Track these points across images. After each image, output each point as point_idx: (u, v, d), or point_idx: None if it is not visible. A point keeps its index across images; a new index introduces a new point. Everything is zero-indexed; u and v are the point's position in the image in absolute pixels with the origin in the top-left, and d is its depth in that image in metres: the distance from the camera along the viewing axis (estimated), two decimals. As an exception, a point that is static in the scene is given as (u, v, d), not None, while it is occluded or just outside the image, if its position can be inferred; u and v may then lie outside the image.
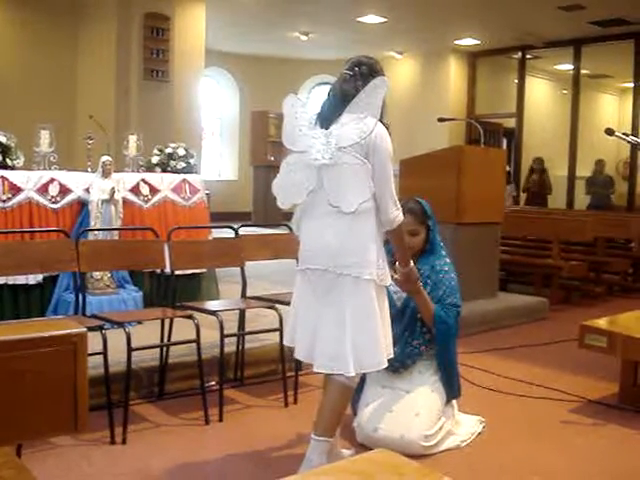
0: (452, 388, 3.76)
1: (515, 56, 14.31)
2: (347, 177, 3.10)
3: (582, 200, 13.40)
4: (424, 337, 3.74)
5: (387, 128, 3.21)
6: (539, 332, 6.53)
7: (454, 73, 14.65)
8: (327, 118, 3.20)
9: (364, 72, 3.22)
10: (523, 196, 13.88)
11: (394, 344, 3.60)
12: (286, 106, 3.38)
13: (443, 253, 3.81)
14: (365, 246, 3.11)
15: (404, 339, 3.71)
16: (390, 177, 3.14)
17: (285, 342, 3.44)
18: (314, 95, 16.90)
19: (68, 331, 1.64)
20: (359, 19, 12.03)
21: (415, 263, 3.72)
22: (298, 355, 3.30)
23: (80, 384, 1.66)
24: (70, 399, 1.67)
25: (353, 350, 3.09)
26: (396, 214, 3.14)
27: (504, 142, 15.14)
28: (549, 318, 7.16)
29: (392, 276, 3.46)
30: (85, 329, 1.63)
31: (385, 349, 3.17)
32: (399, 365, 3.68)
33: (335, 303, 3.13)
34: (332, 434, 3.25)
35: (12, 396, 1.65)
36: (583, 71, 13.69)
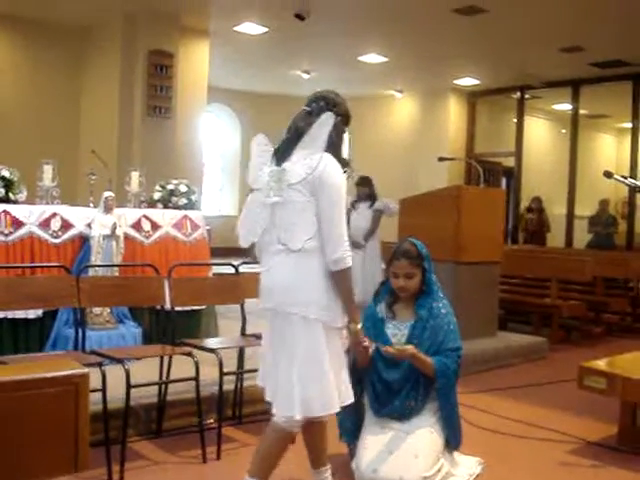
0: (454, 435, 3.72)
1: (514, 96, 14.45)
2: (295, 215, 3.05)
3: (580, 239, 13.44)
4: (426, 390, 3.69)
5: (346, 164, 3.16)
6: (538, 372, 6.51)
7: (454, 112, 14.77)
8: (281, 155, 3.17)
9: (322, 107, 3.19)
10: (521, 235, 13.94)
11: (393, 393, 3.60)
12: (253, 144, 3.38)
13: (440, 294, 3.81)
14: (313, 285, 3.03)
15: (405, 393, 3.66)
16: (337, 215, 3.03)
17: (258, 382, 3.37)
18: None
19: (70, 372, 1.65)
20: (360, 58, 12.17)
21: (412, 306, 3.72)
22: (266, 396, 3.25)
23: (81, 425, 1.67)
24: (71, 439, 1.68)
25: (300, 394, 3.02)
26: (340, 255, 3.01)
27: (503, 181, 15.23)
28: (548, 358, 7.14)
29: (379, 346, 3.46)
30: (87, 370, 1.65)
31: (336, 394, 3.08)
32: (399, 415, 3.65)
33: (286, 344, 3.08)
34: (264, 478, 3.19)
35: (13, 436, 1.65)
36: (582, 111, 13.83)
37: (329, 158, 3.06)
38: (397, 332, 3.72)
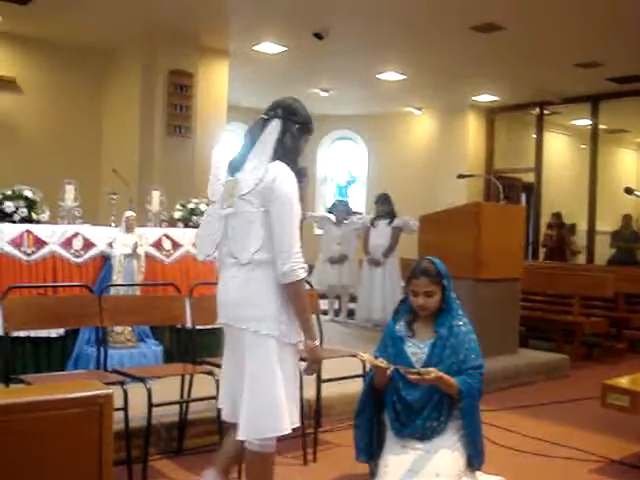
0: (477, 455, 3.69)
1: (533, 112, 14.41)
2: (245, 226, 2.98)
3: (601, 254, 13.35)
4: (449, 410, 3.67)
5: (302, 174, 3.08)
6: (560, 390, 6.46)
7: (472, 129, 14.76)
8: (235, 165, 3.09)
9: (279, 115, 3.10)
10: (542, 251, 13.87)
11: (413, 412, 3.58)
12: (213, 157, 3.27)
13: (460, 312, 3.79)
14: (263, 299, 2.95)
15: (427, 413, 3.64)
16: (288, 226, 2.91)
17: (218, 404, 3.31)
18: (334, 150, 17.08)
19: (94, 393, 1.67)
20: (378, 76, 12.20)
21: (432, 324, 3.71)
22: (223, 415, 3.21)
23: (105, 445, 1.68)
24: (95, 460, 1.69)
25: (248, 412, 2.95)
26: (289, 268, 2.88)
27: (523, 197, 15.18)
28: (570, 375, 7.08)
29: (407, 373, 3.42)
30: (111, 391, 1.66)
31: (287, 414, 2.97)
32: (420, 435, 3.63)
33: (239, 360, 3.03)
34: None
35: (37, 457, 1.67)
36: (601, 126, 13.76)
37: (280, 167, 2.96)
38: (417, 351, 3.71)
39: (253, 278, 2.97)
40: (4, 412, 1.61)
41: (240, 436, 2.98)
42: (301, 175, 3.06)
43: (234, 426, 3.09)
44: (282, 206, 2.91)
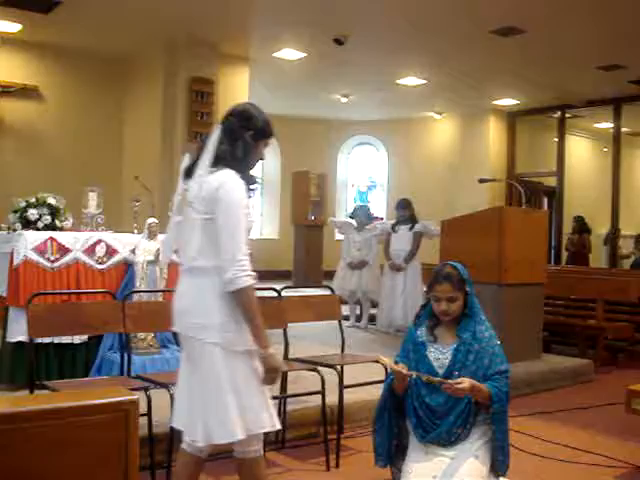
0: (504, 461, 3.66)
1: (555, 115, 14.35)
2: (190, 233, 2.96)
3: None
4: (475, 416, 3.65)
5: (252, 182, 3.03)
6: (584, 395, 6.41)
7: (493, 133, 14.71)
8: (187, 173, 3.08)
9: (233, 122, 3.08)
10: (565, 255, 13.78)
11: (437, 417, 3.56)
12: (181, 165, 3.23)
13: (482, 317, 3.77)
14: (209, 307, 2.90)
15: (453, 419, 3.61)
16: (235, 232, 2.85)
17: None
18: (354, 155, 17.09)
19: (120, 399, 1.67)
20: (399, 81, 12.20)
21: (454, 329, 3.69)
22: (173, 422, 3.18)
23: (131, 451, 1.69)
24: (121, 466, 1.70)
25: (201, 419, 2.93)
26: (233, 275, 2.81)
27: (545, 201, 15.10)
28: (594, 380, 7.02)
29: (430, 381, 3.40)
30: (137, 397, 1.67)
31: (239, 421, 2.90)
32: (444, 442, 3.61)
33: (189, 368, 3.02)
34: None
35: (63, 462, 1.68)
36: (623, 129, 13.67)
37: (227, 175, 2.92)
38: (439, 356, 3.69)
39: (198, 286, 2.95)
40: (31, 419, 1.62)
41: (198, 442, 2.97)
42: (251, 182, 3.02)
43: (187, 445, 3.08)
44: (227, 213, 2.87)
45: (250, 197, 3.01)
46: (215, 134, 3.05)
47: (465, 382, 3.44)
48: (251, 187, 3.02)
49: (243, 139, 3.04)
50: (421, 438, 3.64)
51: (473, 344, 3.65)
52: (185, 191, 3.04)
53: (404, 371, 3.55)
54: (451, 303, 3.65)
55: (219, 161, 2.98)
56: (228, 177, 2.91)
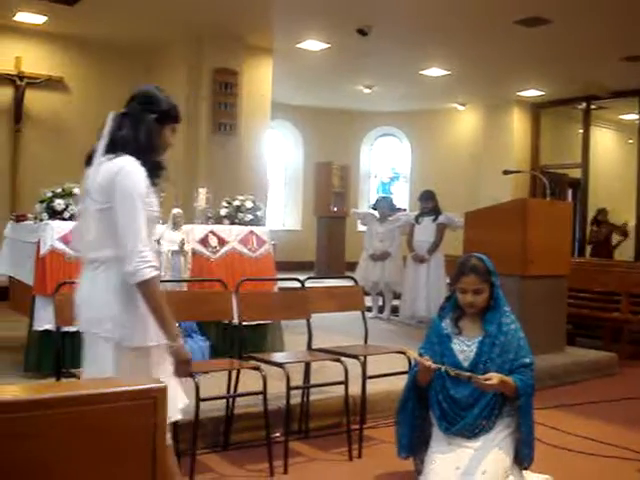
0: (529, 453, 3.65)
1: (579, 106, 14.21)
2: (89, 223, 2.82)
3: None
4: (500, 408, 3.64)
5: (159, 168, 2.89)
6: (608, 388, 6.37)
7: (517, 124, 14.60)
8: (88, 161, 2.91)
9: (134, 106, 2.96)
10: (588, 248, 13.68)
11: (461, 409, 3.56)
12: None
13: (507, 309, 3.76)
14: (105, 300, 2.74)
15: (478, 411, 3.61)
16: (133, 222, 2.69)
17: None
18: (377, 146, 17.05)
19: (149, 386, 1.69)
20: (422, 72, 12.15)
21: (479, 321, 3.68)
22: None
23: (159, 438, 1.70)
24: (149, 452, 1.71)
25: None
26: (134, 267, 2.66)
27: (569, 193, 14.98)
28: (618, 374, 6.98)
29: (459, 375, 3.40)
30: (165, 384, 1.69)
31: None
32: (469, 434, 3.61)
33: (85, 366, 2.88)
34: None
35: (92, 449, 1.70)
36: (649, 121, 13.53)
37: (125, 160, 2.76)
38: (465, 348, 3.68)
39: (94, 278, 2.79)
40: (59, 405, 1.64)
41: None
42: (158, 169, 2.88)
43: None
44: (124, 202, 2.70)
45: (156, 185, 2.87)
46: (110, 119, 2.92)
47: (494, 378, 3.44)
48: (157, 174, 2.87)
49: (146, 123, 2.88)
50: (445, 430, 3.64)
51: (499, 337, 3.64)
52: (84, 179, 2.88)
53: (433, 365, 3.55)
54: (477, 295, 3.65)
55: (119, 147, 2.82)
56: (126, 163, 2.75)
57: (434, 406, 3.72)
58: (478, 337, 3.67)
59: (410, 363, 4.25)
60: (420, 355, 3.73)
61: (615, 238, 13.30)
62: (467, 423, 3.57)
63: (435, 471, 3.59)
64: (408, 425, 3.81)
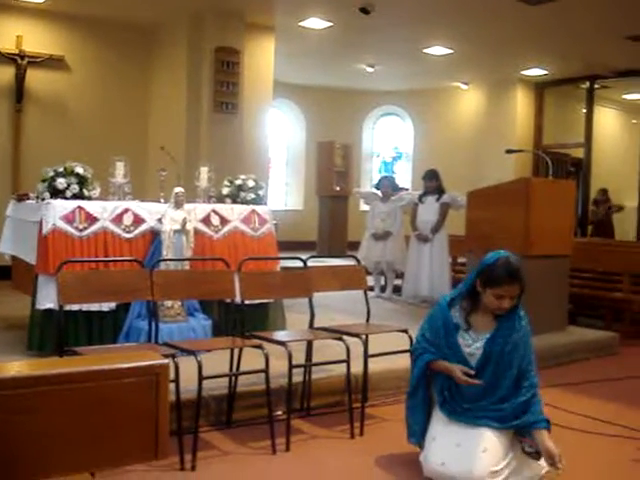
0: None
1: (583, 86, 14.14)
2: None
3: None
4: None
5: None
6: (609, 367, 6.39)
7: (521, 103, 14.54)
8: None
9: None
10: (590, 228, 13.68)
11: (465, 401, 3.57)
12: None
13: (521, 310, 3.74)
14: None
15: (483, 409, 3.64)
16: None
17: None
18: (380, 125, 17.00)
19: (151, 362, 1.70)
20: (425, 50, 12.08)
21: (491, 316, 3.66)
22: None
23: (161, 413, 1.72)
24: (151, 428, 1.72)
25: None
26: None
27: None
28: (620, 353, 7.00)
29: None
30: (167, 361, 1.70)
31: None
32: (468, 420, 3.64)
33: None
34: None
35: (96, 424, 1.71)
36: (653, 100, 13.48)
37: None
38: (471, 344, 3.67)
39: None
40: (64, 380, 1.65)
41: None
42: None
43: None
44: None
45: None
46: None
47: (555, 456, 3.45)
48: None
49: None
50: (448, 414, 3.67)
51: (512, 334, 3.62)
52: None
53: (470, 381, 3.56)
54: (512, 300, 3.61)
55: None
56: None
57: (438, 392, 3.74)
58: (486, 334, 3.65)
59: (411, 342, 4.26)
60: (423, 337, 3.74)
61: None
62: (470, 415, 3.59)
63: (435, 448, 3.61)
64: (421, 412, 3.81)
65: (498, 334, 3.63)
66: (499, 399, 3.61)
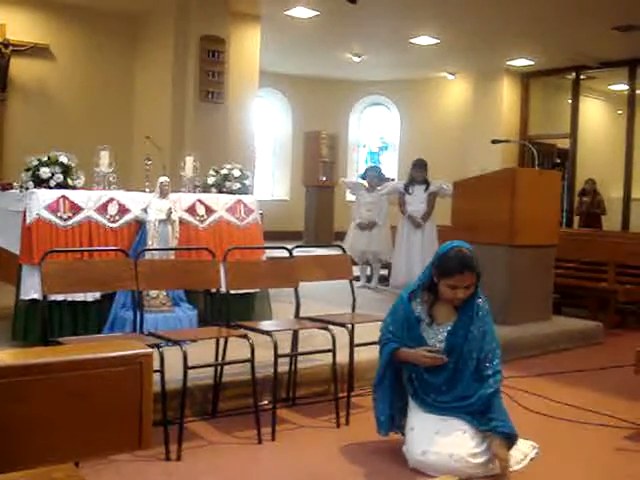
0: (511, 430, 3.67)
1: (569, 76, 14.19)
2: None
3: (637, 222, 13.18)
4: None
5: None
6: (594, 357, 6.43)
7: (507, 94, 14.58)
8: None
9: None
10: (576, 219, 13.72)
11: (432, 392, 3.59)
12: None
13: (480, 294, 3.74)
14: None
15: (450, 399, 3.65)
16: None
17: None
18: (366, 116, 16.98)
19: (135, 352, 1.69)
20: (412, 40, 12.08)
21: (451, 306, 3.67)
22: None
23: (145, 403, 1.71)
24: (135, 417, 1.71)
25: None
26: None
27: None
28: (604, 343, 7.04)
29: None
30: (151, 350, 1.69)
31: None
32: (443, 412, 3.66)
33: None
34: None
35: (79, 414, 1.70)
36: (638, 91, 13.51)
37: None
38: (433, 336, 3.68)
39: None
40: (47, 370, 1.64)
41: None
42: None
43: None
44: None
45: None
46: None
47: (503, 460, 3.45)
48: None
49: None
50: (419, 405, 3.69)
51: (470, 325, 3.62)
52: None
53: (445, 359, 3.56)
54: (467, 289, 3.61)
55: None
56: None
57: (407, 382, 3.75)
58: (448, 326, 3.66)
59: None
60: (389, 332, 3.73)
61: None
62: (439, 407, 3.60)
63: (415, 436, 3.62)
64: (387, 402, 3.82)
65: (458, 325, 3.64)
66: (462, 395, 3.61)
